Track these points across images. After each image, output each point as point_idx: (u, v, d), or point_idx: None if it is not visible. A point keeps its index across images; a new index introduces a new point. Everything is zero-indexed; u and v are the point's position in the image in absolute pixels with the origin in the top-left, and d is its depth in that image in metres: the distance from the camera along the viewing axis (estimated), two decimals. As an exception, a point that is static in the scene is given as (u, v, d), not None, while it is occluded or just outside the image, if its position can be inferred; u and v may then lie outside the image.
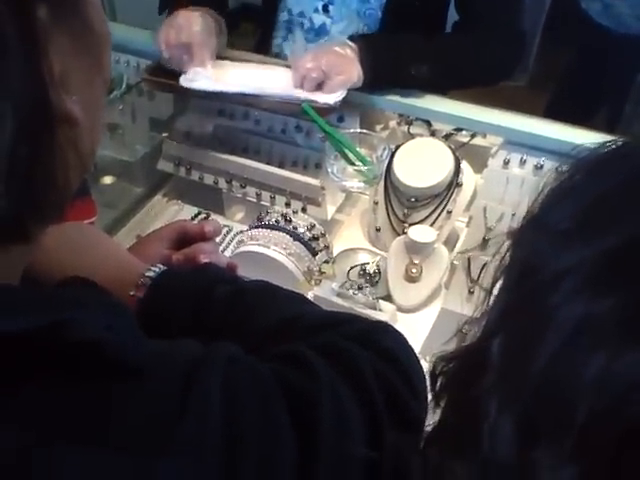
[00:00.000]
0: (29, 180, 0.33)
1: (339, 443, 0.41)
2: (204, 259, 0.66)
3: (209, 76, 1.04)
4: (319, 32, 1.17)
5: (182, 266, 0.66)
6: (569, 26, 2.09)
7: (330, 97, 1.01)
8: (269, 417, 0.39)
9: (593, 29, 1.94)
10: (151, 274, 0.60)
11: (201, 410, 0.36)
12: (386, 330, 0.54)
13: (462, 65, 1.09)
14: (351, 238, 1.08)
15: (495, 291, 0.36)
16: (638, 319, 0.27)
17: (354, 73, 1.02)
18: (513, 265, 0.34)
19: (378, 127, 1.17)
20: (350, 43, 1.04)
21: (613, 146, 0.34)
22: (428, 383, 0.40)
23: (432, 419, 0.40)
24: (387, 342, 0.51)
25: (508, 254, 0.35)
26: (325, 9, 1.16)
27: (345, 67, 1.02)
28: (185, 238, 0.70)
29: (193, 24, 1.02)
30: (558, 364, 0.28)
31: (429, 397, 0.40)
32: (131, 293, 0.58)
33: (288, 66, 1.07)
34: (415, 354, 0.55)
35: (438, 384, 0.38)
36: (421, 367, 0.54)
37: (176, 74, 1.05)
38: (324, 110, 1.02)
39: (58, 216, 0.37)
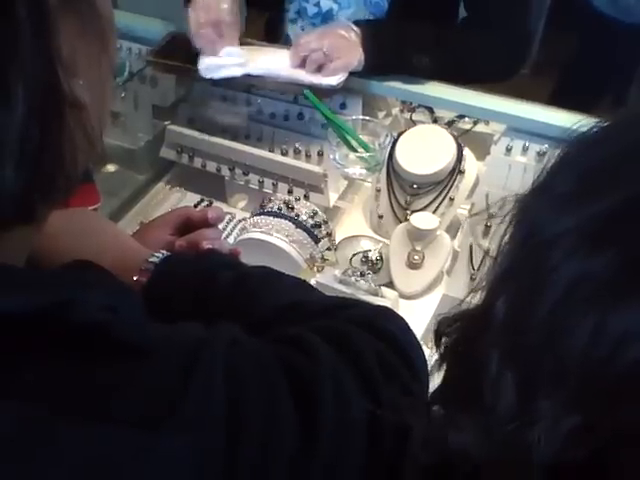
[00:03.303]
0: (38, 161, 0.33)
1: (340, 425, 0.41)
2: (207, 245, 0.66)
3: (241, 55, 1.05)
4: (326, 18, 1.17)
5: (185, 252, 0.66)
6: (573, 14, 2.08)
7: (332, 79, 1.02)
8: (271, 397, 0.40)
9: (597, 18, 1.93)
10: (154, 260, 0.60)
11: (203, 388, 0.37)
12: (388, 314, 0.54)
13: (464, 61, 1.09)
14: (353, 225, 1.09)
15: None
16: (630, 274, 0.28)
17: (355, 57, 1.02)
18: (516, 230, 0.36)
19: (380, 114, 1.17)
20: (354, 27, 1.03)
21: (616, 119, 0.36)
22: (432, 342, 0.42)
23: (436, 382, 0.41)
24: (389, 326, 0.52)
25: (512, 220, 0.36)
26: None
27: (347, 50, 1.02)
28: (188, 224, 0.70)
29: (221, 2, 1.02)
30: (555, 319, 0.30)
31: (433, 359, 0.42)
32: (134, 278, 0.59)
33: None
34: (416, 338, 0.55)
35: (442, 343, 0.40)
36: (422, 351, 0.54)
37: (182, 56, 1.05)
38: (326, 92, 1.02)
39: (64, 199, 0.38)
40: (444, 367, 0.40)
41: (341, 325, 0.50)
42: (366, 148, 0.98)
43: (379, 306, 0.57)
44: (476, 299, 0.38)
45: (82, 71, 0.36)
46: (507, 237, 0.36)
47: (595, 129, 0.35)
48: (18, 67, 0.31)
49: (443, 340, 0.39)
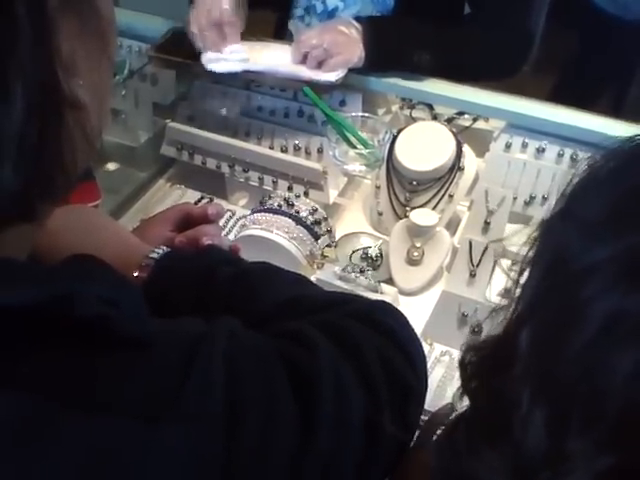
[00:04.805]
0: (37, 160, 0.34)
1: (339, 421, 0.41)
2: (207, 241, 0.66)
3: (245, 53, 1.05)
4: (331, 15, 1.18)
5: (185, 248, 0.66)
6: (573, 11, 2.08)
7: (331, 75, 1.02)
8: (270, 392, 0.40)
9: (597, 15, 1.93)
10: (154, 255, 0.61)
11: (202, 382, 0.37)
12: (386, 309, 0.55)
13: (466, 58, 1.09)
14: (353, 222, 1.09)
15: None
16: None
17: (355, 53, 1.02)
18: (541, 255, 0.34)
19: (380, 111, 1.17)
20: (355, 23, 1.04)
21: None
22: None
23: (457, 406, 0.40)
24: (387, 320, 0.52)
25: (536, 244, 0.35)
26: None
27: (347, 47, 1.02)
28: (188, 220, 0.70)
29: (222, 2, 1.02)
30: (591, 356, 0.29)
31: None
32: (135, 274, 0.59)
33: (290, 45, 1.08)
34: (415, 333, 0.55)
35: (467, 373, 0.38)
36: (421, 346, 0.55)
37: (183, 52, 1.06)
38: (326, 88, 1.03)
39: (64, 197, 0.38)
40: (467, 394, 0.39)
41: (340, 319, 0.50)
42: (365, 145, 0.98)
43: (378, 301, 0.57)
44: (496, 321, 0.37)
45: (82, 71, 0.36)
46: (528, 262, 0.35)
47: (623, 148, 0.34)
48: (17, 67, 0.31)
49: (468, 369, 0.38)
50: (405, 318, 0.55)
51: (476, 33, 1.09)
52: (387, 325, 0.51)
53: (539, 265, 0.34)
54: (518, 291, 0.36)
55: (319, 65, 1.03)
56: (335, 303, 0.54)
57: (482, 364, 0.37)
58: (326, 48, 1.01)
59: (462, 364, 0.39)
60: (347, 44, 1.02)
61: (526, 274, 0.35)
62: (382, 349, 0.48)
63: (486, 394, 0.36)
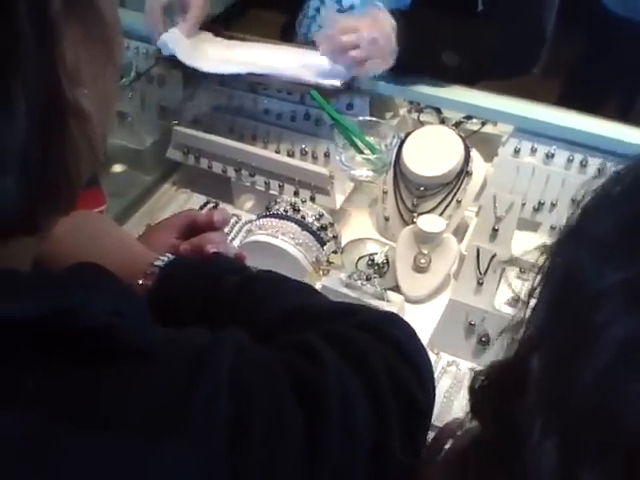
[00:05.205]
0: (41, 172, 0.33)
1: (345, 433, 0.41)
2: (212, 249, 0.66)
3: (183, 42, 1.06)
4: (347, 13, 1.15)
5: (190, 255, 0.66)
6: (583, 14, 2.06)
7: (337, 80, 1.01)
8: (276, 405, 0.39)
9: (607, 17, 1.91)
10: (159, 263, 0.60)
11: (208, 397, 0.36)
12: (394, 320, 0.54)
13: (486, 56, 1.06)
14: (359, 228, 1.08)
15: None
16: None
17: (391, 59, 0.98)
18: (552, 276, 0.33)
19: (388, 115, 1.16)
20: (391, 19, 0.97)
21: None
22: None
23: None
24: (395, 332, 0.51)
25: (546, 264, 0.34)
26: None
27: (385, 50, 0.97)
28: (194, 227, 0.70)
29: None
30: (607, 382, 0.28)
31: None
32: (140, 282, 0.59)
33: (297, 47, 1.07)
34: (423, 345, 0.55)
35: (476, 398, 0.38)
36: (429, 358, 0.54)
37: None
38: (331, 92, 1.02)
39: (69, 208, 0.37)
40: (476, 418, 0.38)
41: (347, 330, 0.49)
42: (373, 150, 0.97)
43: (385, 312, 0.57)
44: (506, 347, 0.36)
45: (86, 80, 0.35)
46: (539, 283, 0.34)
47: (635, 167, 0.33)
48: (20, 75, 0.30)
49: (478, 394, 0.37)
50: (412, 329, 0.55)
51: (494, 29, 1.06)
52: (394, 336, 0.51)
53: (550, 286, 0.33)
54: (528, 311, 0.35)
55: (350, 61, 0.98)
56: (342, 313, 0.54)
57: (491, 389, 0.36)
58: (364, 47, 0.95)
59: (472, 389, 0.38)
60: (385, 47, 0.97)
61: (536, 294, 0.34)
62: (389, 360, 0.47)
63: (496, 420, 0.35)
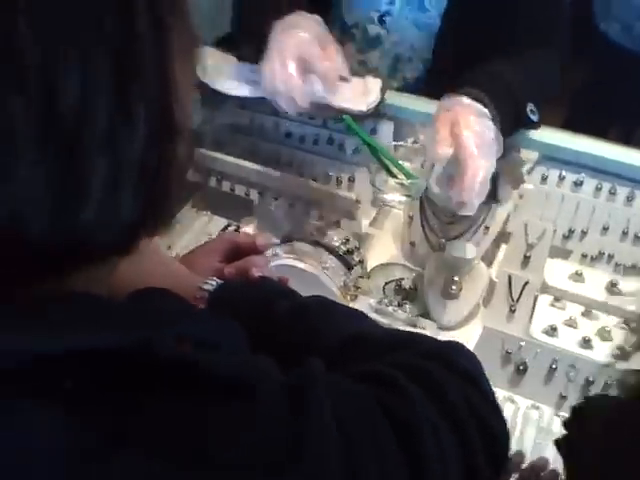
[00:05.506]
0: (151, 189, 0.31)
1: (443, 467, 0.39)
2: (257, 273, 0.64)
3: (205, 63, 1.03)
4: (372, 43, 1.15)
5: (235, 279, 0.64)
6: (586, 44, 2.09)
7: (363, 105, 1.00)
8: (377, 438, 0.37)
9: (611, 49, 1.94)
10: (208, 287, 0.59)
11: (318, 432, 0.34)
12: (460, 350, 0.52)
13: (542, 87, 1.05)
14: (384, 252, 1.06)
15: None
16: None
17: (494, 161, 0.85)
18: None
19: (409, 140, 1.16)
20: (490, 122, 0.86)
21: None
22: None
23: None
24: (464, 362, 0.50)
25: None
26: (381, 20, 1.13)
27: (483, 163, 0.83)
28: (236, 251, 0.68)
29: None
30: None
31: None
32: (189, 307, 0.57)
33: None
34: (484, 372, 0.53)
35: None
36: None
37: None
38: (357, 117, 1.01)
39: (165, 227, 0.36)
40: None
41: (417, 360, 0.48)
42: (408, 175, 0.96)
43: (448, 341, 0.55)
44: None
45: (181, 95, 0.34)
46: None
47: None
48: (140, 87, 0.29)
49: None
50: (475, 357, 0.53)
51: (535, 56, 1.04)
52: (461, 365, 0.49)
53: None
54: None
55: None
56: (405, 342, 0.52)
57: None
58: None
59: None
60: (483, 159, 0.83)
61: None
62: (468, 396, 0.45)
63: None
